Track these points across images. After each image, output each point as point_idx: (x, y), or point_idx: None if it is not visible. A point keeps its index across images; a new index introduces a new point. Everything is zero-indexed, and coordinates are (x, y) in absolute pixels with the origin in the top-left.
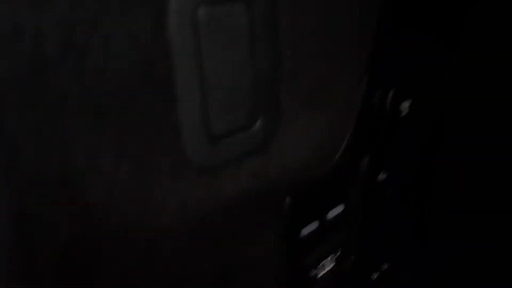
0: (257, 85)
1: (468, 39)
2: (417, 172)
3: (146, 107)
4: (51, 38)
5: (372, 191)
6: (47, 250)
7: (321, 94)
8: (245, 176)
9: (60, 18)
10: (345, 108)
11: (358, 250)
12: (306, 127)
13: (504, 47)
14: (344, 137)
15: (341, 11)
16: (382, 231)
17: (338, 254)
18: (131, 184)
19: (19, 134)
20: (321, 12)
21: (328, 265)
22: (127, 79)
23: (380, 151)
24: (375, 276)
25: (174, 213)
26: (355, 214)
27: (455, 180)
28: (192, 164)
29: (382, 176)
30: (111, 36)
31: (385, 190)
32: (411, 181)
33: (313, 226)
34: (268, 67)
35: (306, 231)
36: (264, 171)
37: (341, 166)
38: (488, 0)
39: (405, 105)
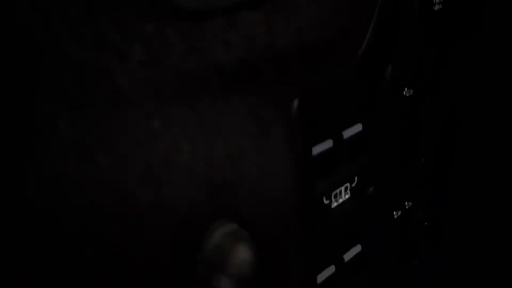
0: None
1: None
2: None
3: None
4: None
5: (398, 108)
6: None
7: None
8: (237, 41)
9: None
10: None
11: (377, 181)
12: None
13: None
14: (367, 25)
15: None
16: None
17: (354, 184)
18: None
19: None
20: None
21: (343, 195)
22: None
23: (407, 57)
24: (396, 215)
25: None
26: (374, 136)
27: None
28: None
29: (408, 91)
30: None
31: (411, 109)
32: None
33: (326, 145)
34: None
35: (317, 149)
36: (260, 39)
37: (362, 69)
38: None
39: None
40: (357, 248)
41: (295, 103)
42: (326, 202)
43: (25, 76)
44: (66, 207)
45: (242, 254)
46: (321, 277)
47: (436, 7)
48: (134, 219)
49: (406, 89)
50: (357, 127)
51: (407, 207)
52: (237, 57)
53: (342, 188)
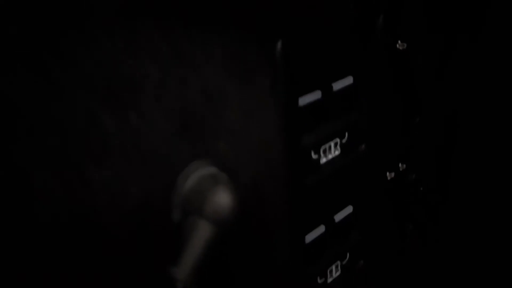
0: None
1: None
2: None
3: None
4: None
5: (388, 64)
6: None
7: None
8: None
9: None
10: None
11: (369, 138)
12: None
13: None
14: None
15: None
16: None
17: (344, 140)
18: None
19: None
20: None
21: (332, 151)
22: None
23: (398, 9)
24: (389, 176)
25: None
26: (366, 90)
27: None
28: None
29: (401, 45)
30: None
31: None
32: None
33: (314, 96)
34: None
35: (305, 100)
36: None
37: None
38: None
39: None
40: (349, 209)
41: (279, 44)
42: (314, 156)
43: None
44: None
45: (221, 197)
46: (309, 237)
47: None
48: (99, 147)
49: (399, 42)
50: (348, 80)
51: (401, 169)
52: None
53: (332, 144)
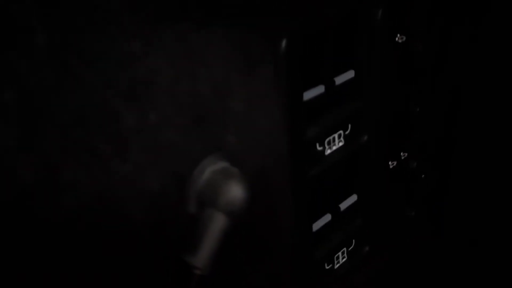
0: None
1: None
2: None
3: None
4: None
5: (388, 57)
6: None
7: None
8: None
9: None
10: None
11: (371, 129)
12: None
13: None
14: None
15: None
16: None
17: (347, 131)
18: None
19: None
20: None
21: (336, 142)
22: None
23: (396, 4)
24: (391, 165)
25: None
26: (367, 83)
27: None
28: None
29: (401, 38)
30: None
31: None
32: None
33: (317, 90)
34: None
35: (309, 94)
36: None
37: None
38: None
39: None
40: (353, 198)
41: (284, 42)
42: (319, 148)
43: None
44: (46, 119)
45: (233, 190)
46: (316, 226)
47: None
48: (122, 141)
49: (398, 35)
50: (350, 74)
51: (402, 158)
52: None
53: (336, 135)
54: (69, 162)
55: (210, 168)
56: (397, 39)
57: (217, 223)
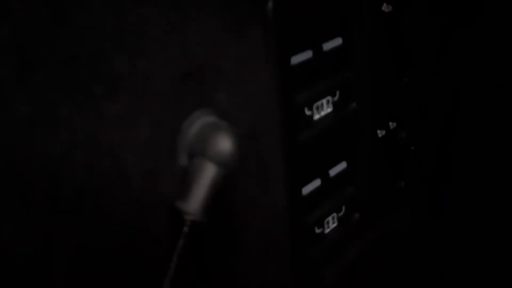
0: None
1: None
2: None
3: None
4: None
5: (374, 26)
6: None
7: None
8: None
9: None
10: None
11: (359, 97)
12: None
13: None
14: None
15: None
16: None
17: (336, 98)
18: None
19: None
20: None
21: (325, 108)
22: None
23: None
24: (380, 134)
25: None
26: (355, 51)
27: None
28: None
29: (387, 7)
30: None
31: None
32: None
33: (305, 55)
34: None
35: (297, 59)
36: None
37: None
38: None
39: None
40: (343, 165)
41: (270, 3)
42: (308, 113)
43: None
44: (40, 56)
45: (222, 140)
46: (306, 190)
47: None
48: (112, 84)
49: (384, 4)
50: (337, 41)
51: (391, 127)
52: None
53: (324, 101)
54: (63, 99)
55: (200, 121)
56: (383, 8)
57: (207, 171)
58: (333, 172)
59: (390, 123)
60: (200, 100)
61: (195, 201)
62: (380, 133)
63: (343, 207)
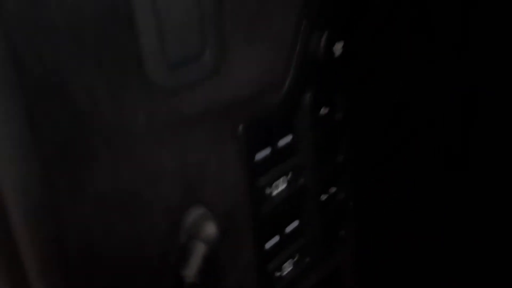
0: (202, 20)
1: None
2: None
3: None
4: None
5: (316, 124)
6: None
7: (260, 29)
8: (200, 98)
9: None
10: (285, 46)
11: (306, 174)
12: (251, 59)
13: None
14: (287, 72)
15: None
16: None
17: (289, 177)
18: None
19: None
20: None
21: (281, 185)
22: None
23: (321, 87)
24: (323, 198)
25: (142, 122)
26: (303, 143)
27: None
28: (154, 85)
29: (324, 110)
30: None
31: (328, 123)
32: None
33: (265, 151)
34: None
35: (260, 155)
36: (216, 94)
37: (287, 100)
38: None
39: (339, 47)
40: (295, 223)
41: (240, 127)
42: (267, 192)
43: None
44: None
45: (210, 227)
46: (268, 244)
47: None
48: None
49: (322, 108)
50: (288, 138)
51: (331, 192)
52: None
53: (280, 180)
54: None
55: (194, 213)
56: (321, 112)
57: (200, 248)
58: (288, 229)
59: (330, 189)
60: (193, 201)
61: (192, 268)
62: (323, 196)
63: (297, 254)
